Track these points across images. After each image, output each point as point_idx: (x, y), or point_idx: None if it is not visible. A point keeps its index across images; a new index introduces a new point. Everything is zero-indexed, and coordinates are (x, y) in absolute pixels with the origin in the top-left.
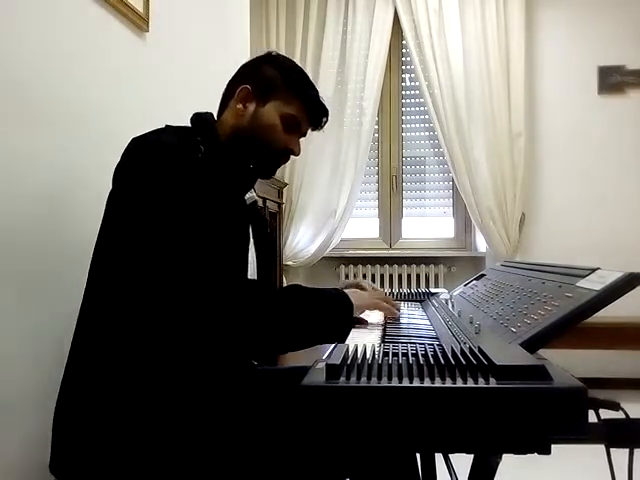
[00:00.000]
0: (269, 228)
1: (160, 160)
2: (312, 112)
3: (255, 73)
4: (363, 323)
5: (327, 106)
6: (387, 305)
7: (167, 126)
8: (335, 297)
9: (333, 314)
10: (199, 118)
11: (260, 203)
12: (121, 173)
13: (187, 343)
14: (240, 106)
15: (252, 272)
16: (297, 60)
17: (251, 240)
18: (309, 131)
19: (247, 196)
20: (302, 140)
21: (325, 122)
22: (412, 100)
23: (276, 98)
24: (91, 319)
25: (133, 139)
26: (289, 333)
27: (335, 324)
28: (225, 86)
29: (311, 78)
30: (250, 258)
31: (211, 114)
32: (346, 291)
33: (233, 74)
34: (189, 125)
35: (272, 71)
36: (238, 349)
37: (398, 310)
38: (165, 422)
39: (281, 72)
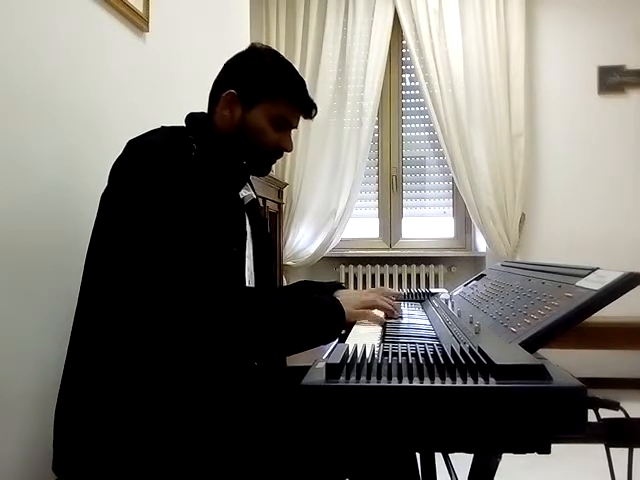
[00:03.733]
0: (269, 228)
1: (153, 158)
2: (300, 108)
3: (239, 75)
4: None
5: (326, 104)
6: (374, 314)
7: (162, 127)
8: (326, 304)
9: (324, 323)
10: (193, 118)
11: (260, 203)
12: (115, 172)
13: (182, 338)
14: (227, 112)
15: (250, 268)
16: (297, 60)
17: (249, 237)
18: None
19: (245, 194)
20: (301, 140)
21: (315, 113)
22: (412, 100)
23: (262, 101)
24: (87, 318)
25: (129, 141)
26: (278, 337)
27: (325, 332)
28: (211, 86)
29: (311, 78)
30: (247, 253)
31: (204, 114)
32: (339, 296)
33: (218, 73)
34: (184, 125)
35: (256, 71)
36: (229, 349)
37: (392, 312)
38: (165, 420)
39: (264, 71)
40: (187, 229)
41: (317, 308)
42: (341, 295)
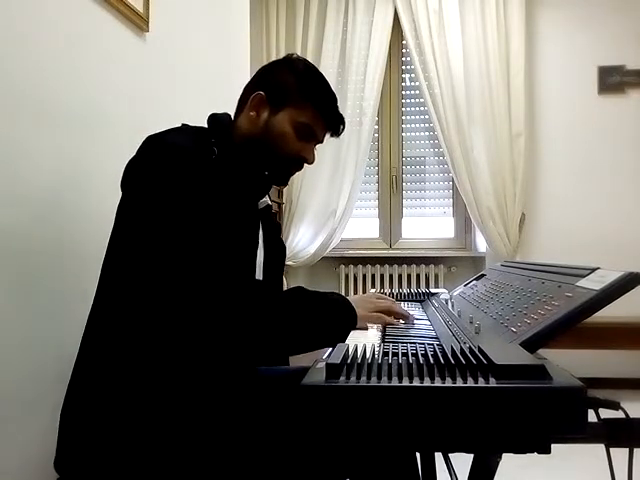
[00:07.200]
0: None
1: (173, 162)
2: (327, 120)
3: (270, 79)
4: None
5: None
6: (390, 319)
7: (183, 125)
8: (337, 302)
9: (336, 319)
10: (215, 119)
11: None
12: (134, 173)
13: (192, 345)
14: (253, 113)
15: (259, 275)
16: None
17: (261, 244)
18: (327, 137)
19: (259, 200)
20: None
21: (342, 129)
22: (412, 100)
23: (289, 106)
24: (101, 319)
25: (148, 137)
26: (291, 336)
27: (337, 328)
28: (242, 89)
29: None
30: (258, 260)
31: (228, 115)
32: (350, 299)
33: (251, 78)
34: (205, 125)
35: (288, 77)
36: (242, 351)
37: (407, 318)
38: (169, 422)
39: (297, 78)
40: (202, 236)
41: (329, 307)
42: (355, 298)
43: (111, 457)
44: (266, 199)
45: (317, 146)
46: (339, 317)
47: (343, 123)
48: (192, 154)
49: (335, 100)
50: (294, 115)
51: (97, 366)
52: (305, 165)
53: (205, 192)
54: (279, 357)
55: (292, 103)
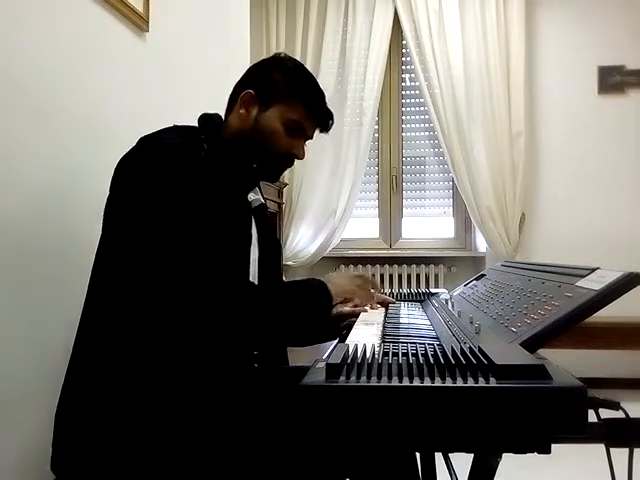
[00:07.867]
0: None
1: (162, 158)
2: (316, 116)
3: (260, 77)
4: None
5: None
6: (362, 294)
7: (175, 125)
8: (315, 289)
9: (314, 304)
10: (206, 118)
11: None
12: (125, 168)
13: (185, 341)
14: (243, 111)
15: (254, 273)
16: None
17: (255, 242)
18: (316, 133)
19: (253, 198)
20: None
21: (331, 125)
22: (412, 100)
23: (279, 102)
24: (93, 319)
25: (141, 138)
26: (278, 327)
27: (315, 311)
28: (232, 89)
29: None
30: (252, 258)
31: (218, 115)
32: (328, 280)
33: (240, 77)
34: (196, 125)
35: (277, 74)
36: (232, 348)
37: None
38: (166, 421)
39: (285, 75)
40: (193, 230)
41: (305, 294)
42: (332, 275)
43: (107, 457)
44: (259, 198)
45: (316, 146)
46: (315, 300)
47: (332, 119)
48: (181, 151)
49: (323, 96)
50: (283, 112)
51: (90, 366)
52: (305, 165)
53: (194, 188)
54: (275, 355)
55: (281, 100)
